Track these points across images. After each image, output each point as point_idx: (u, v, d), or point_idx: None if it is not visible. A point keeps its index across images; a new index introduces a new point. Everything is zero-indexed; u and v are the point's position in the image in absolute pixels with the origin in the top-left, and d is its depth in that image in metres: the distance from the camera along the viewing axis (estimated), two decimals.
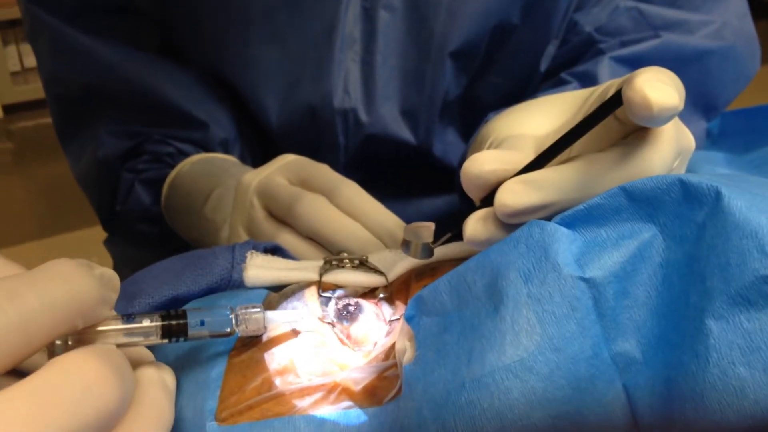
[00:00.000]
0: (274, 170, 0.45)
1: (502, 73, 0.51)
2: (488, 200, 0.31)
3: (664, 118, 0.26)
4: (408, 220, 0.54)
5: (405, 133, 0.49)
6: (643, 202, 0.27)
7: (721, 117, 0.55)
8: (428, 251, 0.36)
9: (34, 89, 2.33)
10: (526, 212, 0.29)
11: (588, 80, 0.48)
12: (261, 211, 0.44)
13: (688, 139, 0.33)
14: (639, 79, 0.26)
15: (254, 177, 0.45)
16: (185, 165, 0.54)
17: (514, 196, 0.29)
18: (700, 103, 0.50)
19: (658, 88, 0.26)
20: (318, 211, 0.42)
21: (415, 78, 0.48)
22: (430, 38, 0.47)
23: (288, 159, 0.46)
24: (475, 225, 0.31)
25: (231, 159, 0.55)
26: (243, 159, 0.57)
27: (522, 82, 0.52)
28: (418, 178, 0.53)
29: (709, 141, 0.55)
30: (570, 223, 0.28)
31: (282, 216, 0.43)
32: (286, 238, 0.43)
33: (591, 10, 0.51)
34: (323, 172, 0.44)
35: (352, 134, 0.49)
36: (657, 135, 0.30)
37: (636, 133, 0.30)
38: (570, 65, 0.51)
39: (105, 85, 0.54)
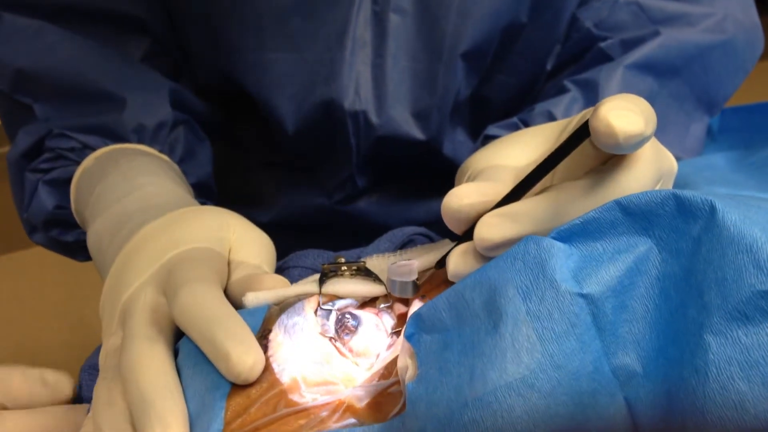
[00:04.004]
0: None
1: (511, 72, 0.51)
2: (470, 233, 0.32)
3: (631, 145, 0.26)
4: (418, 220, 0.54)
5: (416, 133, 0.49)
6: (638, 215, 0.27)
7: (721, 114, 0.55)
8: (413, 288, 0.36)
9: None
10: (504, 245, 0.29)
11: (589, 88, 0.47)
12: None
13: (670, 162, 0.33)
14: (603, 108, 0.26)
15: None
16: (89, 161, 0.48)
17: (490, 229, 0.30)
18: (704, 100, 0.50)
19: (623, 116, 0.26)
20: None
21: (426, 79, 0.48)
22: (442, 40, 0.47)
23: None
24: (457, 260, 0.32)
25: (140, 149, 0.49)
26: (174, 144, 0.51)
27: (530, 81, 0.52)
28: (428, 179, 0.53)
29: (709, 138, 0.55)
30: (566, 238, 0.28)
31: None
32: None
33: (593, 5, 0.50)
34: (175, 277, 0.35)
35: (363, 136, 0.48)
36: (633, 159, 0.30)
37: (613, 158, 0.30)
38: (572, 62, 0.51)
39: (36, 70, 0.48)
